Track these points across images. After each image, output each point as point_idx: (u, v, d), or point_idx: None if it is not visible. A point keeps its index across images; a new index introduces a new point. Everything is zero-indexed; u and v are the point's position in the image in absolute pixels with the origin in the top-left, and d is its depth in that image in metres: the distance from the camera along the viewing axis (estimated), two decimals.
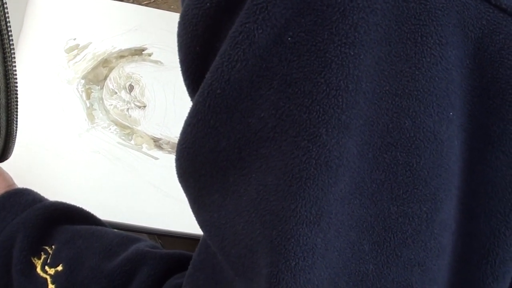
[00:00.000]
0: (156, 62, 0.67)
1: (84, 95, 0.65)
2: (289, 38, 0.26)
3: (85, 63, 0.67)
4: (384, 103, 0.26)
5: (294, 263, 0.26)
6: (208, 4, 0.28)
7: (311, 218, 0.26)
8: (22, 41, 0.68)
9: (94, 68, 0.67)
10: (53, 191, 0.53)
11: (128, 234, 0.48)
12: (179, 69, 0.65)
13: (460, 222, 0.29)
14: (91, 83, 0.66)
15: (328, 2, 0.26)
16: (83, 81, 0.66)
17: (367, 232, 0.27)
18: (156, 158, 0.60)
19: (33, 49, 0.68)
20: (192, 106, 0.29)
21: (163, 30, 0.69)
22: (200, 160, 0.29)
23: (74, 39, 0.69)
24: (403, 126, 0.26)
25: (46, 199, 0.50)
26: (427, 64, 0.26)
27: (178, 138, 0.31)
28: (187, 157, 0.30)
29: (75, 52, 0.68)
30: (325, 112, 0.26)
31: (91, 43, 0.69)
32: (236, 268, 0.30)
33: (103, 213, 0.52)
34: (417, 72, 0.26)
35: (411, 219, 0.27)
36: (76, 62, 0.67)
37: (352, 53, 0.26)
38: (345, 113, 0.26)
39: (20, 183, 0.53)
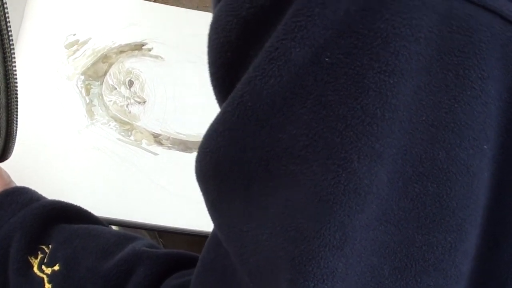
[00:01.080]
0: (156, 57, 0.66)
1: (83, 91, 0.64)
2: (326, 59, 0.26)
3: (84, 59, 0.67)
4: (419, 133, 0.26)
5: (312, 284, 0.26)
6: (244, 12, 0.28)
7: (335, 243, 0.25)
8: (22, 37, 0.68)
9: (94, 63, 0.66)
10: (52, 187, 0.53)
11: (126, 233, 0.47)
12: (179, 64, 0.65)
13: (481, 249, 0.29)
14: (90, 79, 0.65)
15: (370, 26, 0.25)
16: (82, 77, 0.65)
17: (389, 257, 0.27)
18: (156, 154, 0.59)
19: (32, 45, 0.67)
20: (220, 113, 0.29)
21: (163, 25, 0.68)
22: (224, 166, 0.29)
23: (74, 34, 0.69)
24: (437, 157, 0.26)
25: (44, 198, 0.49)
26: (467, 97, 0.26)
27: (201, 140, 0.31)
28: (210, 161, 0.30)
29: (75, 47, 0.68)
30: (358, 139, 0.25)
31: (91, 38, 0.68)
32: (253, 277, 0.29)
33: (103, 210, 0.52)
34: (456, 105, 0.26)
35: (435, 248, 0.27)
36: (75, 58, 0.67)
37: (392, 82, 0.25)
38: (379, 141, 0.25)
39: (18, 180, 0.52)
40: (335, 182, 0.25)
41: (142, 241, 0.46)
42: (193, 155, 0.59)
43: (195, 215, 0.56)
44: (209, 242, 0.36)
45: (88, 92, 0.64)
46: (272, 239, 0.27)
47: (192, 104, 0.62)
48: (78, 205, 0.50)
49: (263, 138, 0.27)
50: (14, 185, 0.52)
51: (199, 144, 0.61)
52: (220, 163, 0.29)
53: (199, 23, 0.68)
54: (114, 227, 0.53)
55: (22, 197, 0.48)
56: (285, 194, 0.27)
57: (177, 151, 0.59)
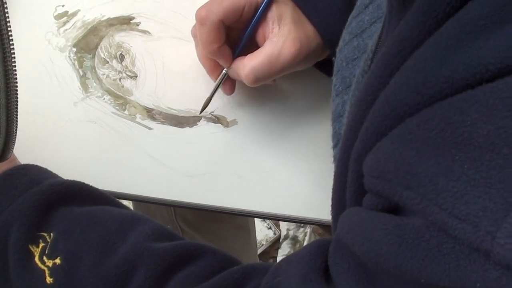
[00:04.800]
0: (144, 32, 0.65)
1: (76, 63, 0.64)
2: None
3: (75, 31, 0.66)
4: None
5: None
6: None
7: None
8: (12, 6, 0.66)
9: (85, 36, 0.66)
10: (50, 161, 0.52)
11: (128, 215, 0.46)
12: (167, 39, 0.65)
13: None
14: (82, 51, 0.65)
15: None
16: (74, 49, 0.65)
17: None
18: (150, 128, 0.60)
19: (21, 16, 0.66)
20: None
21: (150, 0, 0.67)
22: None
23: (63, 5, 0.67)
24: None
25: (44, 179, 0.47)
26: None
27: None
28: None
29: (65, 19, 0.67)
30: None
31: (79, 10, 0.67)
32: None
33: (101, 183, 0.52)
34: None
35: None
36: (66, 29, 0.66)
37: None
38: None
39: (15, 153, 0.50)
40: None
41: (145, 226, 0.45)
42: (186, 129, 0.61)
43: (190, 188, 0.58)
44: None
45: (81, 64, 0.64)
46: None
47: (182, 81, 0.63)
48: (78, 181, 0.48)
49: None
50: (16, 164, 0.50)
51: (190, 119, 0.62)
52: None
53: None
54: None
55: (22, 180, 0.46)
56: None
57: (170, 126, 0.60)
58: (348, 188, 0.34)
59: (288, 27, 0.54)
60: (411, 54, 0.29)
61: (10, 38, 0.39)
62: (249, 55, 0.55)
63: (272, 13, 0.54)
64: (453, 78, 0.26)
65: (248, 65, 0.54)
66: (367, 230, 0.29)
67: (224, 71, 0.58)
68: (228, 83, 0.59)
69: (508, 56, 0.24)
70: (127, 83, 0.63)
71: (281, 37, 0.54)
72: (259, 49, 0.54)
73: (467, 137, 0.24)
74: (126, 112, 0.61)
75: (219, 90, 0.59)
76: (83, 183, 0.49)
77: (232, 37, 0.57)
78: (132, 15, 0.66)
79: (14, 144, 0.43)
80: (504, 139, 0.23)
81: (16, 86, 0.40)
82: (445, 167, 0.25)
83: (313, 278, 0.35)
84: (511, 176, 0.23)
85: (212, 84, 0.59)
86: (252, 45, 0.57)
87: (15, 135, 0.42)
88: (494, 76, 0.24)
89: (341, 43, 0.50)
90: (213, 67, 0.58)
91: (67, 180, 0.48)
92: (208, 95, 0.59)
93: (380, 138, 0.30)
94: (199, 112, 0.60)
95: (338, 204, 0.37)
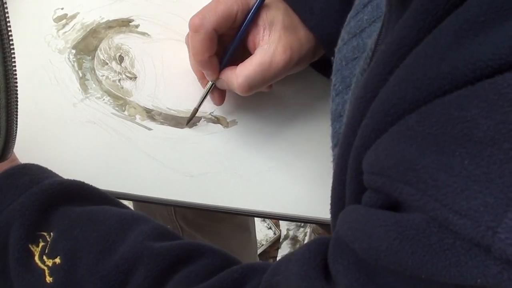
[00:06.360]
0: (143, 34, 0.65)
1: (76, 65, 0.64)
2: None
3: (74, 33, 0.65)
4: None
5: None
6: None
7: None
8: (12, 9, 0.66)
9: (84, 38, 0.65)
10: (50, 161, 0.51)
11: (128, 215, 0.45)
12: (166, 41, 0.64)
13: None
14: (82, 53, 0.64)
15: None
16: (74, 51, 0.64)
17: None
18: (150, 129, 0.60)
19: (21, 18, 0.65)
20: None
21: (148, 2, 0.67)
22: None
23: (62, 8, 0.67)
24: None
25: (44, 178, 0.46)
26: None
27: None
28: None
29: (64, 21, 0.66)
30: None
31: (78, 13, 0.67)
32: None
33: (101, 183, 0.51)
34: None
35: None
36: (65, 32, 0.66)
37: None
38: None
39: (15, 152, 0.50)
40: None
41: (145, 225, 0.44)
42: (185, 130, 0.60)
43: (190, 188, 0.57)
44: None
45: (80, 66, 0.64)
46: None
47: (181, 82, 0.62)
48: (78, 180, 0.48)
49: None
50: (16, 163, 0.49)
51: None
52: None
53: (184, 2, 0.67)
54: None
55: (22, 180, 0.46)
56: None
57: (170, 126, 0.60)
58: (348, 186, 0.34)
59: (279, 33, 0.53)
60: (411, 52, 0.29)
61: (10, 38, 0.39)
62: (240, 65, 0.54)
63: (263, 19, 0.53)
64: (453, 74, 0.26)
65: (241, 75, 0.53)
66: (367, 227, 0.29)
67: (210, 82, 0.57)
68: (218, 93, 0.58)
69: (508, 52, 0.24)
70: (127, 84, 0.62)
71: (272, 44, 0.53)
72: (250, 58, 0.53)
73: (467, 132, 0.24)
74: (125, 112, 0.60)
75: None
76: (83, 183, 0.48)
77: (224, 42, 0.56)
78: (131, 18, 0.66)
79: (14, 145, 0.42)
80: (504, 134, 0.23)
81: (16, 87, 0.40)
82: (445, 163, 0.25)
83: (313, 275, 0.35)
84: (511, 171, 0.23)
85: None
86: (243, 52, 0.56)
87: (15, 135, 0.41)
88: (494, 72, 0.24)
89: (340, 42, 0.50)
90: (204, 76, 0.57)
91: (67, 180, 0.48)
92: (209, 95, 0.59)
93: (380, 135, 0.29)
94: (185, 124, 0.59)
95: (338, 202, 0.37)
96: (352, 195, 0.34)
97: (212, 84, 0.57)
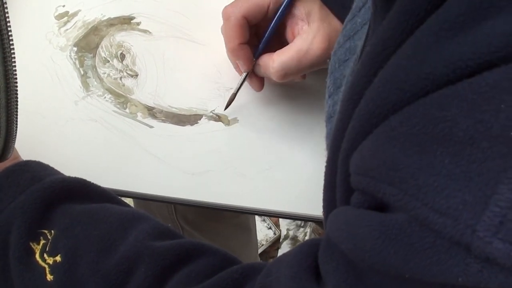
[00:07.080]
0: (144, 31, 0.64)
1: (77, 62, 0.63)
2: None
3: (76, 31, 0.65)
4: None
5: None
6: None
7: None
8: (12, 7, 0.66)
9: (85, 36, 0.65)
10: (51, 159, 0.51)
11: (129, 213, 0.45)
12: (168, 38, 0.64)
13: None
14: (83, 50, 0.64)
15: None
16: (75, 49, 0.64)
17: None
18: (151, 127, 0.59)
19: (22, 16, 0.65)
20: None
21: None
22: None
23: (63, 6, 0.67)
24: None
25: (46, 176, 0.46)
26: None
27: None
28: None
29: (65, 19, 0.66)
30: None
31: (80, 10, 0.66)
32: None
33: (102, 180, 0.51)
34: None
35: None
36: (67, 29, 0.65)
37: None
38: None
39: (18, 150, 0.50)
40: None
41: (146, 224, 0.44)
42: (187, 128, 0.60)
43: (191, 186, 0.57)
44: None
45: (82, 64, 0.63)
46: None
47: (182, 79, 0.62)
48: (80, 178, 0.47)
49: None
50: (18, 160, 0.49)
51: (191, 118, 0.61)
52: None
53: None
54: None
55: (23, 177, 0.45)
56: None
57: (171, 124, 0.60)
58: (338, 188, 0.34)
59: (317, 24, 0.55)
60: (395, 53, 0.29)
61: (10, 38, 0.38)
62: (278, 51, 0.55)
63: (300, 11, 0.55)
64: (434, 74, 0.26)
65: (277, 60, 0.54)
66: (353, 228, 0.29)
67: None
68: (256, 79, 0.59)
69: (486, 52, 0.24)
70: (128, 82, 0.62)
71: (311, 33, 0.54)
72: (289, 45, 0.55)
73: (447, 132, 0.24)
74: (127, 110, 0.60)
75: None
76: (85, 180, 0.48)
77: (260, 35, 0.57)
78: (133, 15, 0.65)
79: (14, 144, 0.42)
80: (483, 133, 0.23)
81: (16, 86, 0.40)
82: (426, 163, 0.25)
83: (303, 276, 0.35)
84: (489, 169, 0.23)
85: (210, 83, 0.59)
86: (281, 43, 0.57)
87: (15, 135, 0.41)
88: (473, 71, 0.24)
89: (336, 45, 0.50)
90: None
91: (69, 177, 0.47)
92: (210, 93, 0.59)
93: (366, 137, 0.29)
94: (223, 109, 0.60)
95: (329, 204, 0.37)
96: (342, 197, 0.34)
97: (248, 72, 0.58)
